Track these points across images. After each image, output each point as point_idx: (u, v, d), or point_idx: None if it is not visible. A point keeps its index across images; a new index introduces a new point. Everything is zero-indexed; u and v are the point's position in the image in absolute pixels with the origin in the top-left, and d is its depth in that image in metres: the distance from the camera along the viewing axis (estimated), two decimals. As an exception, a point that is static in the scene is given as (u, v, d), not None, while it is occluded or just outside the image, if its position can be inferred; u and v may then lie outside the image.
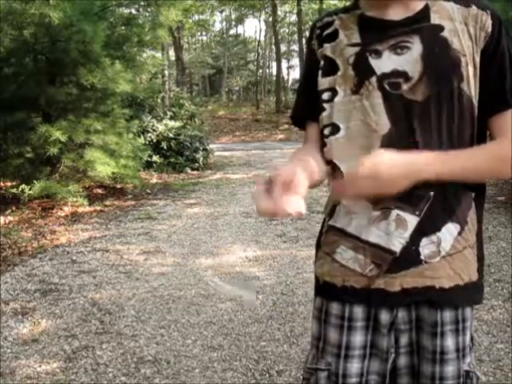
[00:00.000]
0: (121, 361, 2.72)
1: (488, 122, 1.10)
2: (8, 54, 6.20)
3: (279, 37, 28.36)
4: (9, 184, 6.76)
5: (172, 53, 21.94)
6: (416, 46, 1.07)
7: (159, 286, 3.81)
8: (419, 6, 1.10)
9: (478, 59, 1.07)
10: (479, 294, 1.16)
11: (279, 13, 28.71)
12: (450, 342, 1.11)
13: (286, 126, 20.21)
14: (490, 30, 1.06)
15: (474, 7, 1.08)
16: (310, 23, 30.78)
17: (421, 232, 1.09)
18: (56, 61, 6.30)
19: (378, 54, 1.10)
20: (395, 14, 1.10)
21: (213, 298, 3.56)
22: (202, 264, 4.34)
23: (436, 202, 1.08)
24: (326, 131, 1.17)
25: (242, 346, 2.87)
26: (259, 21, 36.15)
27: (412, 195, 1.07)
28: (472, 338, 1.17)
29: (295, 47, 35.06)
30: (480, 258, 1.16)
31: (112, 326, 3.15)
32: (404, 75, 1.07)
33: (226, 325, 3.14)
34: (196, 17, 31.23)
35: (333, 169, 1.18)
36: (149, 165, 9.28)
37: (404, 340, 1.14)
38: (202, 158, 10.57)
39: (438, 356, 1.11)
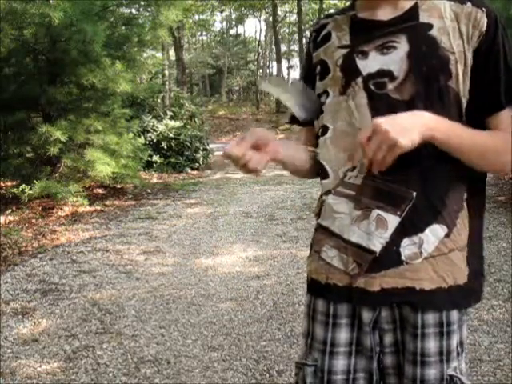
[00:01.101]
0: (121, 361, 2.72)
1: (483, 123, 1.08)
2: (8, 54, 6.20)
3: (279, 37, 28.35)
4: (9, 184, 6.77)
5: (172, 53, 21.92)
6: (403, 46, 1.07)
7: (159, 286, 3.81)
8: (408, 5, 1.09)
9: (469, 57, 1.05)
10: (466, 297, 1.13)
11: (279, 13, 28.71)
12: (431, 345, 1.09)
13: (286, 126, 20.22)
14: (484, 28, 1.05)
15: (468, 4, 1.06)
16: (310, 23, 30.83)
17: (402, 232, 1.07)
18: (56, 61, 6.31)
19: (365, 54, 1.10)
20: (384, 14, 1.10)
21: (213, 298, 3.56)
22: (202, 264, 4.34)
23: (419, 202, 1.06)
24: (319, 133, 1.19)
25: (242, 345, 2.87)
26: (259, 21, 36.20)
27: (394, 195, 1.07)
28: (462, 343, 1.14)
29: (295, 47, 35.09)
30: (475, 260, 1.13)
31: (112, 325, 3.15)
32: (389, 74, 1.07)
33: (227, 325, 3.14)
34: (196, 17, 31.26)
35: (322, 169, 1.19)
36: (149, 165, 9.29)
37: (388, 339, 1.13)
38: (202, 158, 10.57)
39: (419, 358, 1.10)
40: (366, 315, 1.12)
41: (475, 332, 2.90)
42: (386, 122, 0.97)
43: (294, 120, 1.32)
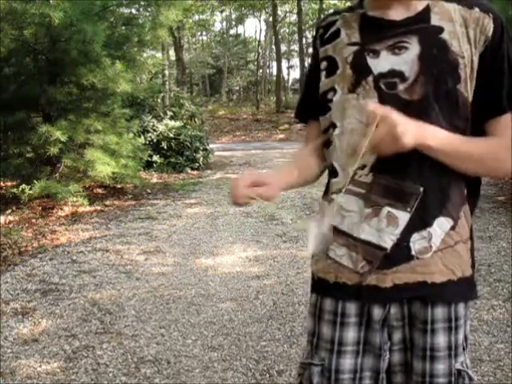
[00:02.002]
0: (121, 361, 2.72)
1: (484, 125, 1.10)
2: (8, 54, 6.19)
3: (279, 37, 28.35)
4: (9, 184, 6.77)
5: (172, 53, 21.92)
6: (414, 47, 1.08)
7: (159, 286, 3.81)
8: (420, 6, 1.10)
9: (476, 62, 1.07)
10: (473, 289, 1.17)
11: (279, 13, 28.71)
12: (441, 340, 1.12)
13: (287, 126, 20.22)
14: (490, 33, 1.06)
15: (476, 9, 1.07)
16: (311, 23, 30.81)
17: (412, 228, 1.09)
18: (56, 61, 6.30)
19: (376, 53, 1.11)
20: (396, 14, 1.11)
21: (213, 298, 3.56)
22: (202, 264, 4.34)
23: (426, 197, 1.08)
24: (330, 130, 1.19)
25: (242, 345, 2.87)
26: (259, 21, 36.22)
27: (403, 192, 1.09)
28: (466, 338, 1.17)
29: (295, 47, 35.09)
30: (472, 254, 1.17)
31: (112, 325, 3.15)
32: (400, 75, 1.08)
33: (227, 325, 3.14)
34: (196, 17, 31.25)
35: (331, 167, 1.21)
36: (149, 165, 9.28)
37: (397, 337, 1.15)
38: (202, 158, 10.56)
39: (429, 353, 1.12)
40: (377, 312, 1.13)
41: (475, 332, 2.90)
42: (397, 116, 1.02)
43: (297, 116, 1.36)
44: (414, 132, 1.02)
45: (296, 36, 29.97)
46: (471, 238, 1.17)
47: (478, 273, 3.80)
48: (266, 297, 3.57)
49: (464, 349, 1.16)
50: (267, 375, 2.57)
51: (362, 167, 1.13)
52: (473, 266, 1.17)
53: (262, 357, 2.74)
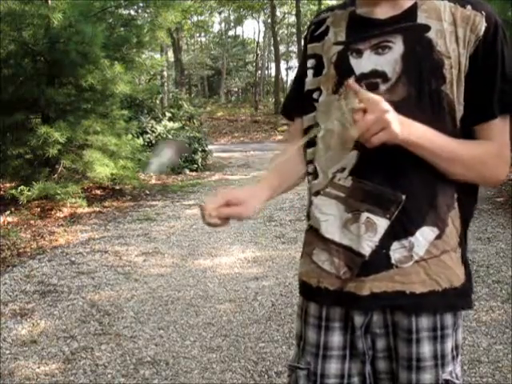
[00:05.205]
0: (120, 362, 2.72)
1: (473, 129, 1.06)
2: (7, 56, 6.20)
3: (278, 38, 28.37)
4: (8, 185, 6.77)
5: (171, 54, 21.95)
6: (398, 46, 1.04)
7: (158, 287, 3.81)
8: (407, 4, 1.06)
9: (464, 62, 1.02)
10: (463, 299, 1.11)
11: (278, 14, 28.77)
12: (426, 349, 1.08)
13: (285, 127, 20.22)
14: (481, 33, 1.00)
15: (468, 7, 1.02)
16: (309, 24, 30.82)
17: (392, 236, 1.05)
18: (55, 62, 6.30)
19: (359, 53, 1.08)
20: (382, 12, 1.07)
21: (211, 299, 3.56)
22: (201, 265, 4.34)
23: (409, 205, 1.04)
24: (314, 130, 1.17)
25: (240, 347, 2.87)
26: (258, 22, 36.37)
27: (383, 198, 1.05)
28: (457, 347, 1.12)
29: (294, 48, 35.14)
30: (466, 261, 1.12)
31: (111, 327, 3.15)
32: (383, 75, 1.05)
33: (225, 326, 3.14)
34: (195, 18, 31.25)
35: (313, 169, 1.18)
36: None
37: (381, 344, 1.12)
38: (200, 159, 10.56)
39: (414, 363, 1.08)
40: (358, 319, 1.11)
41: (474, 333, 2.90)
42: (387, 104, 0.97)
43: (283, 113, 1.34)
44: (401, 124, 0.98)
45: (294, 37, 30.01)
46: (464, 243, 1.11)
47: (476, 274, 3.81)
48: (264, 298, 3.57)
49: (454, 358, 1.11)
50: (266, 376, 2.57)
51: (342, 170, 1.09)
52: (470, 273, 1.12)
53: (261, 358, 2.74)
